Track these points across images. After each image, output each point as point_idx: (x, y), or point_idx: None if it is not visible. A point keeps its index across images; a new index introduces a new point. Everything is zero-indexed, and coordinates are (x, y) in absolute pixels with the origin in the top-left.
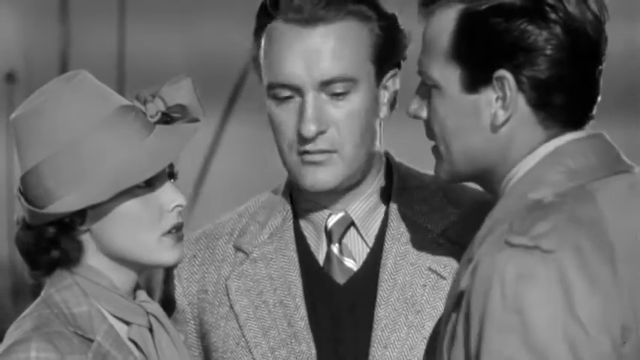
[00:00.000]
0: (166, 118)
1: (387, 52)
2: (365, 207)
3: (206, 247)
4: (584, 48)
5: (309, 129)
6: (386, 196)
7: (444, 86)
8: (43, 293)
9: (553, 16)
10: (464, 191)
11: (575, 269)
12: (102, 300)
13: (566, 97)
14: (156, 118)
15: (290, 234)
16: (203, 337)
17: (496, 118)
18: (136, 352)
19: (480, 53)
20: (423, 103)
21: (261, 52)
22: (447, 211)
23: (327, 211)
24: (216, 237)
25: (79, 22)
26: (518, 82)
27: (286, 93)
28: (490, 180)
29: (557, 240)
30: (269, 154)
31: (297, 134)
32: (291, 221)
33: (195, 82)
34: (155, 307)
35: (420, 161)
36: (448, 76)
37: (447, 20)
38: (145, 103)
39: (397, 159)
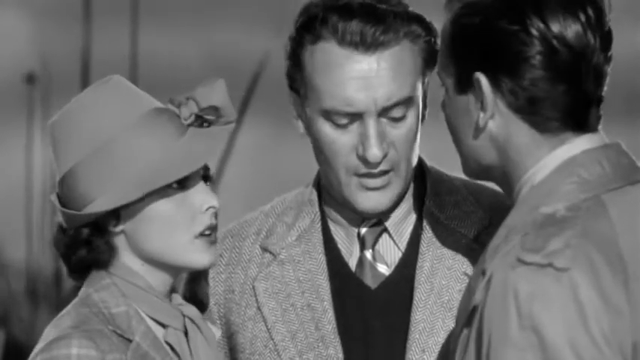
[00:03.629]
0: (200, 121)
1: (430, 64)
2: (399, 214)
3: (232, 246)
4: (563, 56)
5: (376, 155)
6: (418, 200)
7: (446, 87)
8: (80, 293)
9: (530, 21)
10: (493, 196)
11: (589, 287)
12: (139, 301)
13: (547, 101)
14: (189, 121)
15: (318, 237)
16: (230, 337)
17: (478, 119)
18: (172, 355)
19: (464, 55)
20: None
21: (310, 73)
22: (479, 215)
23: (360, 217)
24: (242, 237)
25: (97, 24)
26: (496, 86)
27: (345, 120)
28: (506, 182)
29: (570, 257)
30: (281, 157)
31: (359, 158)
32: (320, 224)
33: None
34: (192, 310)
35: (446, 165)
36: (448, 77)
37: (447, 22)
38: (178, 106)
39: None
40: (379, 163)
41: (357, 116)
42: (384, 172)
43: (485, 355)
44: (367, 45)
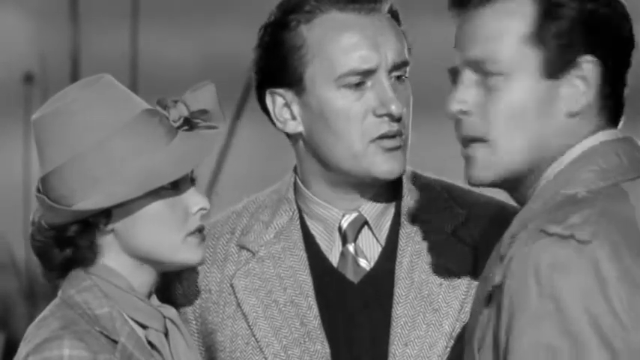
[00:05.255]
0: (189, 124)
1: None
2: (377, 207)
3: (205, 246)
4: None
5: (397, 107)
6: (394, 195)
7: (517, 72)
8: (61, 294)
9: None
10: (466, 193)
11: (609, 261)
12: (120, 302)
13: (620, 91)
14: (178, 123)
15: (298, 233)
16: (207, 336)
17: (573, 106)
18: (156, 355)
19: (567, 37)
20: (469, 97)
21: (314, 47)
22: (455, 211)
23: (340, 212)
24: (215, 236)
25: (93, 24)
26: (599, 70)
27: (358, 82)
28: (524, 181)
29: (591, 232)
30: (279, 156)
31: (377, 117)
32: (298, 221)
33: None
34: (172, 312)
35: (424, 165)
36: (523, 61)
37: (520, 4)
38: (166, 108)
39: None
40: (400, 119)
41: (369, 75)
42: (399, 134)
43: (505, 329)
44: (367, 9)
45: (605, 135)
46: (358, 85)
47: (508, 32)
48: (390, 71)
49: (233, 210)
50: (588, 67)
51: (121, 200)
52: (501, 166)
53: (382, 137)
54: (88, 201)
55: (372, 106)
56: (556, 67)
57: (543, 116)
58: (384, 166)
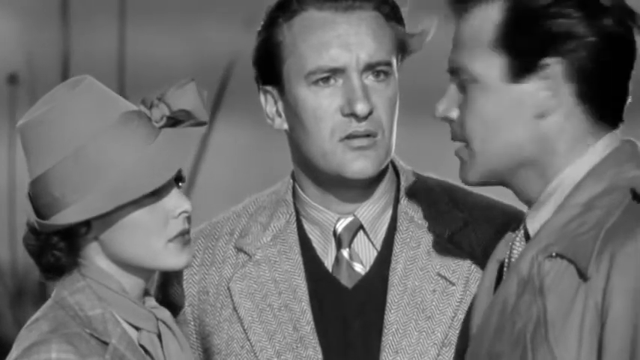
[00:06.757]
0: (172, 122)
1: (400, 54)
2: (374, 211)
3: (205, 247)
4: (624, 46)
5: (363, 106)
6: (392, 199)
7: (485, 78)
8: (54, 295)
9: (603, 4)
10: (468, 195)
11: None
12: (113, 304)
13: (608, 90)
14: (161, 123)
15: (294, 237)
16: (204, 338)
17: (542, 109)
18: (147, 358)
19: (527, 41)
20: (452, 103)
21: (290, 44)
22: (454, 215)
23: (335, 215)
24: (215, 237)
25: (81, 24)
26: (565, 71)
27: (329, 80)
28: (525, 179)
29: None
30: (257, 156)
31: (344, 116)
32: (295, 224)
33: (198, 85)
34: (165, 314)
35: (423, 165)
36: (491, 67)
37: (490, 12)
38: (150, 107)
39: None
40: (366, 118)
41: (340, 74)
42: (369, 135)
43: (623, 312)
44: (345, 7)
45: (618, 135)
46: (327, 82)
47: (477, 40)
48: (363, 71)
49: (233, 210)
50: (553, 68)
51: (96, 214)
52: (482, 168)
53: (350, 137)
54: (65, 212)
55: (340, 104)
56: (519, 71)
57: (515, 120)
58: (353, 165)
